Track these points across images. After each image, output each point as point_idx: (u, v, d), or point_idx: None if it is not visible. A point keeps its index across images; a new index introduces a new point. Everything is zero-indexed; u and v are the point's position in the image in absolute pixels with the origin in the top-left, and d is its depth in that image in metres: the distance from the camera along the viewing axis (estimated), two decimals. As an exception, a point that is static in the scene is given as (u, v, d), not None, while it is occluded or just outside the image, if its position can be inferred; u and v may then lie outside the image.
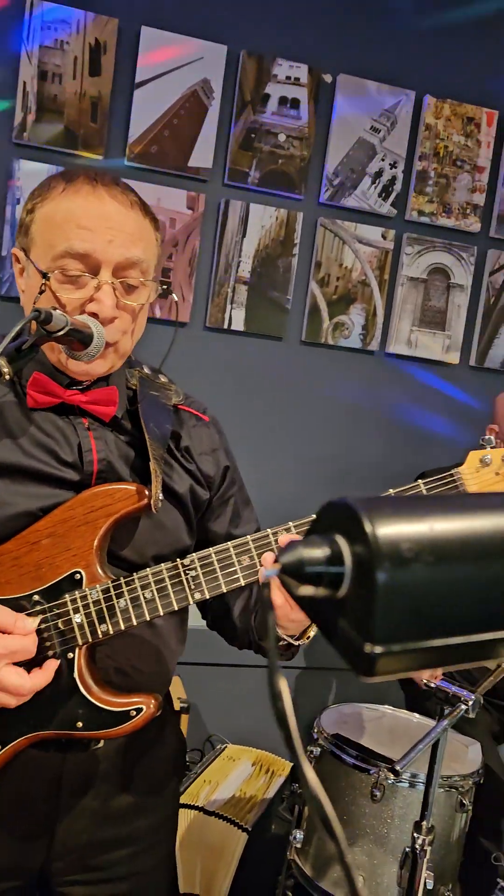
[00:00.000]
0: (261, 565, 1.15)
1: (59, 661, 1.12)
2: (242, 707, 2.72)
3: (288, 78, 2.68)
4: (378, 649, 0.39)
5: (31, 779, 1.17)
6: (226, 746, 2.56)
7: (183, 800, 2.28)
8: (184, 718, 2.47)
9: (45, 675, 1.09)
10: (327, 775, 1.88)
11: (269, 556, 1.14)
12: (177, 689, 2.54)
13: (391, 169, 2.77)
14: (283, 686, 0.41)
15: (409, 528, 0.40)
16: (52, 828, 1.19)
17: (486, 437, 1.08)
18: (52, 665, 1.11)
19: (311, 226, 2.72)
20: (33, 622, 1.10)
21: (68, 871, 1.22)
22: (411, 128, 2.78)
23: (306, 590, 0.41)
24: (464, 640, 0.40)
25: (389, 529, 0.40)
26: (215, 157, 2.65)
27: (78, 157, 2.54)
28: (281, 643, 1.19)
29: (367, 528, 0.40)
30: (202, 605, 1.35)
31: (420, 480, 1.12)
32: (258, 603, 1.30)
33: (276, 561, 0.42)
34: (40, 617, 1.12)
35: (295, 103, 2.70)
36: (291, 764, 2.47)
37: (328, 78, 2.72)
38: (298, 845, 1.92)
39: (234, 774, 2.43)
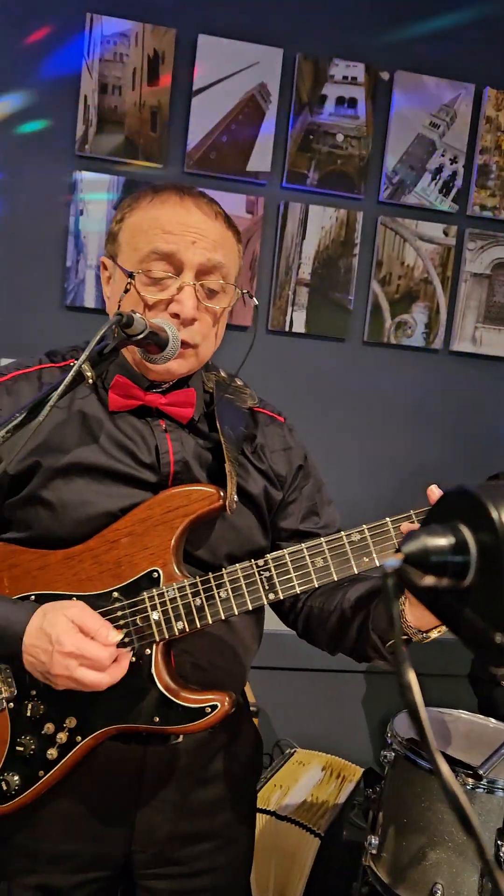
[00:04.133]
0: (379, 561, 1.12)
1: (132, 654, 1.13)
2: (311, 711, 2.70)
3: (345, 78, 2.67)
4: (511, 639, 0.38)
5: (113, 771, 1.20)
6: (295, 750, 2.54)
7: (254, 804, 2.27)
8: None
9: (120, 668, 1.10)
10: (403, 780, 1.85)
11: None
12: (246, 693, 2.53)
13: (451, 164, 2.73)
14: (413, 678, 0.40)
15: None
16: (132, 819, 1.22)
17: None
18: (126, 658, 1.11)
19: (371, 225, 2.70)
20: (116, 636, 1.09)
21: (150, 864, 1.24)
22: (471, 121, 2.73)
23: (430, 580, 0.40)
24: None
25: (517, 516, 0.39)
26: (273, 160, 2.65)
27: (138, 167, 2.57)
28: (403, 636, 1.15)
29: (494, 514, 0.39)
30: (285, 612, 1.34)
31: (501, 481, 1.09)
32: (367, 601, 1.23)
33: (397, 551, 0.41)
34: (125, 631, 1.13)
35: (352, 102, 2.68)
36: (362, 769, 2.44)
37: (385, 75, 2.69)
38: (374, 851, 1.89)
39: (305, 779, 2.41)
